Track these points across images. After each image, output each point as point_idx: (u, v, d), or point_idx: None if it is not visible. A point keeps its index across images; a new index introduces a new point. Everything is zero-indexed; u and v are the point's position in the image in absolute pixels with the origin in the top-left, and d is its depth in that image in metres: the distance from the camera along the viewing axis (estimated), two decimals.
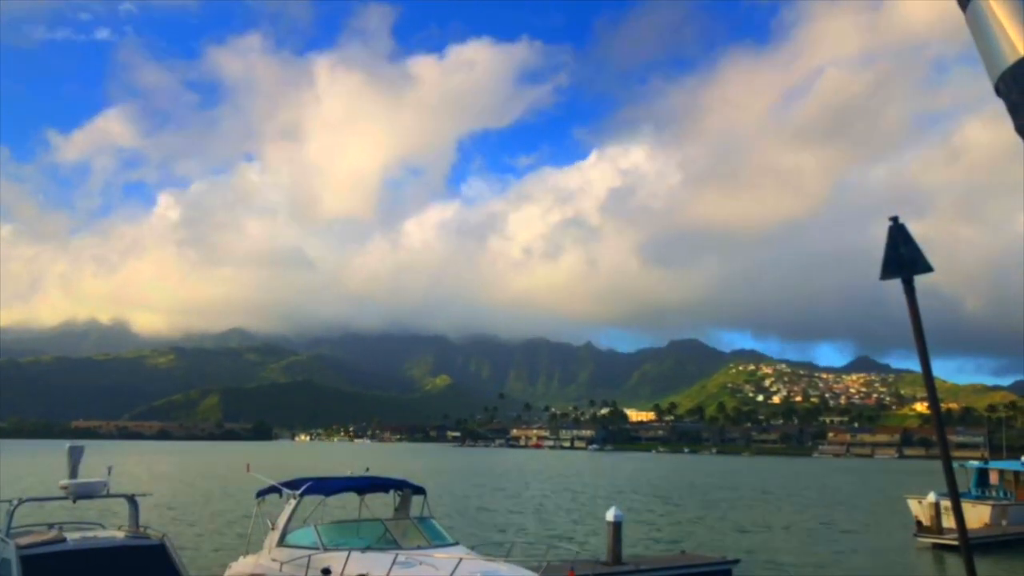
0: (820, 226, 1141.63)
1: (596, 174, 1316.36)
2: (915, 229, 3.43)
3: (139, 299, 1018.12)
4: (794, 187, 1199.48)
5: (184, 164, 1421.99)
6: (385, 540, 13.87)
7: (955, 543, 30.06)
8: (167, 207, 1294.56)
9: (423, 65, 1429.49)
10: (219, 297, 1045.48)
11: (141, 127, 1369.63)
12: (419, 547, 13.66)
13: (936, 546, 32.78)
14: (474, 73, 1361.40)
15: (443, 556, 12.69)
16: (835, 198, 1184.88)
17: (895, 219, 3.51)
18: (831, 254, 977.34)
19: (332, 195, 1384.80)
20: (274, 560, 14.50)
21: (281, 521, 15.14)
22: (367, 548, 13.32)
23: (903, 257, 3.42)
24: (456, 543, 14.63)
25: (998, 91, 2.28)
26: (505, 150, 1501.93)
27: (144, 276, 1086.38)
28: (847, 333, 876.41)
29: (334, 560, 13.03)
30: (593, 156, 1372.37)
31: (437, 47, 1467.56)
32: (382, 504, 16.96)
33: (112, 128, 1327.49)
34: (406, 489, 16.40)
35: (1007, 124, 2.28)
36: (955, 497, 3.54)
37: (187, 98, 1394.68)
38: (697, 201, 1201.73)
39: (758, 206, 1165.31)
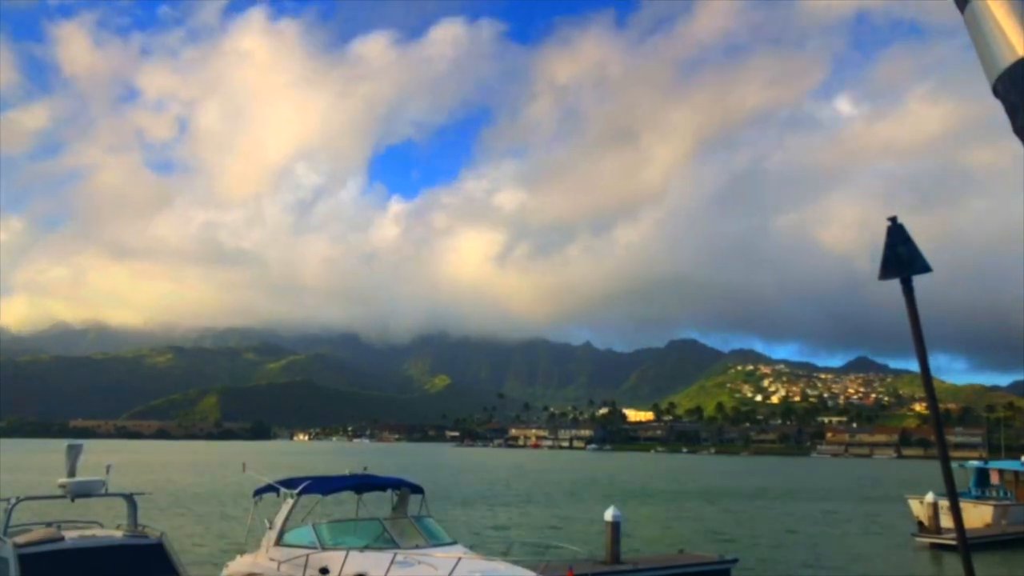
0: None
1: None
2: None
3: (123, 298, 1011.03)
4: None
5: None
6: (383, 539, 13.78)
7: (954, 543, 30.07)
8: (91, 198, 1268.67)
9: (364, 46, 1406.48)
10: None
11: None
12: (417, 546, 13.56)
13: (935, 546, 32.88)
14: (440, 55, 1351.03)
15: (442, 555, 12.61)
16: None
17: (893, 219, 3.38)
18: None
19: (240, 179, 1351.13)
20: (272, 559, 14.39)
21: (279, 520, 15.00)
22: (365, 547, 13.25)
23: (901, 257, 3.29)
24: (454, 542, 14.54)
25: (996, 92, 2.24)
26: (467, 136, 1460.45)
27: (116, 274, 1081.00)
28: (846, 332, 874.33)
29: (332, 559, 12.96)
30: None
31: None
32: (379, 503, 16.85)
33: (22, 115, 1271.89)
34: (404, 488, 16.27)
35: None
36: (953, 497, 3.51)
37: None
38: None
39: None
